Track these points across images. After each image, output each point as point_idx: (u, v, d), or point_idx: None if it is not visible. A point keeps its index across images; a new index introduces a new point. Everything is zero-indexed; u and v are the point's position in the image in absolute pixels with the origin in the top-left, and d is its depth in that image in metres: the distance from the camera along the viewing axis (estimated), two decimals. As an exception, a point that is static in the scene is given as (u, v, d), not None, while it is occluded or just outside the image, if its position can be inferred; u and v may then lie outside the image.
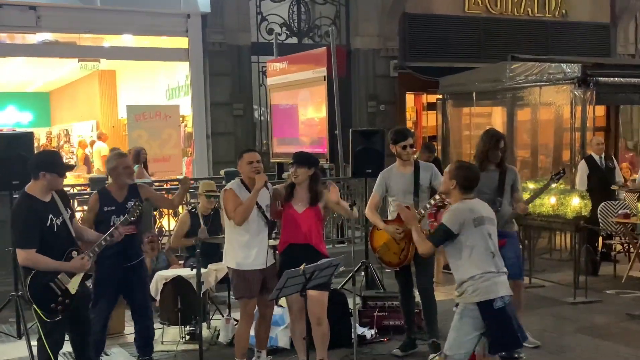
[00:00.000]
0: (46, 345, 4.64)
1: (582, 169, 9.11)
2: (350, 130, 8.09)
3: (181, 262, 7.79)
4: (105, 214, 5.45)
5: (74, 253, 4.68)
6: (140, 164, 10.22)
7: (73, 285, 4.66)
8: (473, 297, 4.41)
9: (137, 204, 5.20)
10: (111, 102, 16.60)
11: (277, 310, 6.33)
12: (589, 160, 9.10)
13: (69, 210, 4.77)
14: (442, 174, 5.76)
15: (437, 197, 5.62)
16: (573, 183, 9.37)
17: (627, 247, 9.14)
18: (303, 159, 5.43)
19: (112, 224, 5.23)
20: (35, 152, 6.87)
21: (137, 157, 10.21)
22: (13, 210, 4.93)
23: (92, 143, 15.78)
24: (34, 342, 6.05)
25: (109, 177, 5.92)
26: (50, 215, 4.59)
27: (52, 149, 17.79)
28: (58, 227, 4.63)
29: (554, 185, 6.41)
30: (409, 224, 5.05)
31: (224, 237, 5.62)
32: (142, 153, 10.51)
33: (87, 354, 5.01)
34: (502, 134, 6.40)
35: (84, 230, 5.00)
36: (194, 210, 7.62)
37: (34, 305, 4.59)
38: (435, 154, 10.50)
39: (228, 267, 5.44)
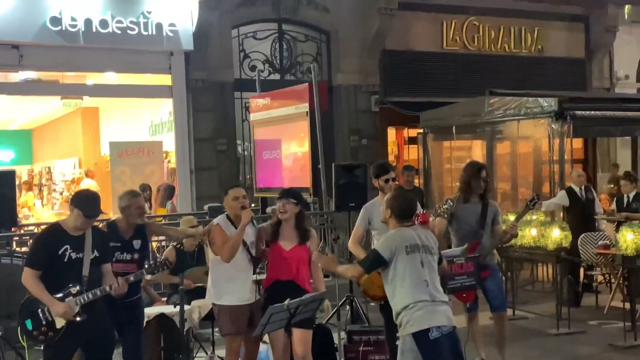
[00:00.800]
0: None
1: (560, 197, 9.23)
2: (333, 164, 8.18)
3: (164, 298, 7.75)
4: (109, 249, 5.39)
5: (74, 289, 4.72)
6: (172, 199, 10.18)
7: (60, 320, 4.69)
8: (408, 329, 4.30)
9: (161, 263, 5.13)
10: (94, 139, 16.58)
11: (262, 346, 6.31)
12: (570, 192, 9.22)
13: (95, 252, 4.82)
14: (423, 205, 5.87)
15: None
16: (553, 215, 9.49)
17: (608, 278, 9.23)
18: (291, 194, 5.46)
19: (114, 259, 5.25)
20: (16, 190, 6.89)
21: (171, 193, 10.14)
22: None
23: (78, 180, 15.69)
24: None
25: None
26: (67, 246, 4.72)
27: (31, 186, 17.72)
28: (70, 260, 4.72)
29: (530, 211, 6.53)
30: (330, 268, 5.11)
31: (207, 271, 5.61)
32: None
33: None
34: (484, 164, 6.55)
35: (108, 281, 4.90)
36: (179, 246, 7.60)
37: (19, 328, 4.74)
38: (415, 178, 10.47)
39: (213, 304, 5.43)
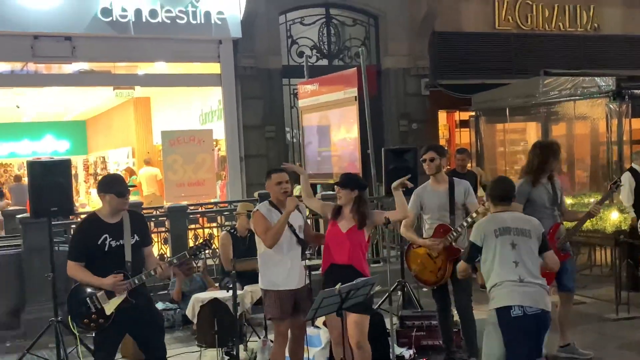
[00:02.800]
0: None
1: (628, 181, 8.92)
2: (383, 148, 8.07)
3: (216, 284, 7.82)
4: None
5: (115, 275, 4.76)
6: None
7: (110, 307, 4.76)
8: (492, 304, 4.46)
9: (203, 244, 5.09)
10: (146, 128, 16.81)
11: (314, 331, 6.31)
12: (633, 172, 8.91)
13: (135, 236, 4.86)
14: (477, 189, 5.75)
15: (473, 214, 5.59)
16: (612, 197, 9.19)
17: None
18: (346, 181, 5.40)
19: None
20: (72, 179, 7.01)
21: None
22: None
23: (129, 171, 15.93)
24: (74, 367, 6.16)
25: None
26: (106, 235, 4.76)
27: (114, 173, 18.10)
28: (110, 248, 4.77)
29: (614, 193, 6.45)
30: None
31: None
32: None
33: None
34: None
35: (150, 263, 4.97)
36: (233, 231, 7.67)
37: (69, 316, 4.83)
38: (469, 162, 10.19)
39: (261, 288, 5.44)
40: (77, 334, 4.91)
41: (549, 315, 4.45)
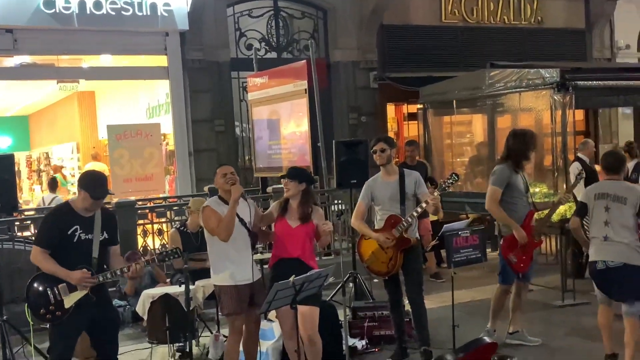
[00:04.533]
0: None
1: (575, 171, 9.15)
2: (334, 141, 8.09)
3: (167, 279, 7.73)
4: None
5: (84, 270, 4.69)
6: None
7: (69, 300, 4.68)
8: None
9: (173, 251, 5.10)
10: (91, 123, 16.49)
11: (267, 324, 6.29)
12: (580, 162, 9.15)
13: (105, 233, 4.81)
14: (427, 181, 5.83)
15: (423, 204, 5.64)
16: (556, 187, 9.42)
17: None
18: (294, 174, 5.42)
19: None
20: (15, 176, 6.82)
21: None
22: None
23: (58, 168, 15.67)
24: (20, 367, 6.00)
25: None
26: (77, 227, 4.70)
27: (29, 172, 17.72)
28: (79, 241, 4.70)
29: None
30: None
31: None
32: None
33: None
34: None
35: (116, 262, 4.92)
36: (182, 228, 7.57)
37: (26, 305, 4.73)
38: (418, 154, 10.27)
39: (214, 285, 5.38)
40: (31, 323, 4.85)
41: (636, 268, 5.11)
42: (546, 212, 6.42)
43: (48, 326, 4.85)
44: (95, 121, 16.50)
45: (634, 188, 5.36)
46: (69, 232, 4.68)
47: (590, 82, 9.70)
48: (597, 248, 5.30)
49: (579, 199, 5.57)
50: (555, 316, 7.20)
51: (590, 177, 8.99)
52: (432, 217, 8.74)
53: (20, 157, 19.07)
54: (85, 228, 4.74)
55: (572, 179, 9.11)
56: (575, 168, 9.11)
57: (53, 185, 11.66)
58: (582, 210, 5.48)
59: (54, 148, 18.00)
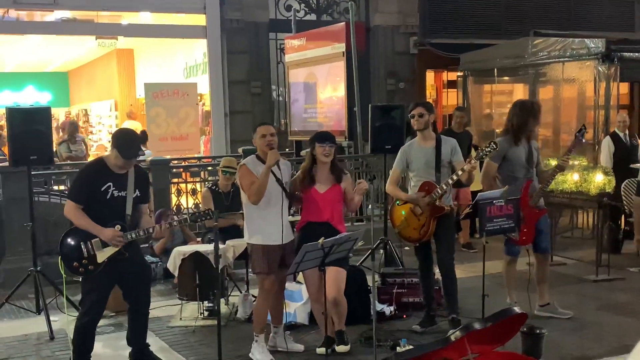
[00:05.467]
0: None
1: (607, 145, 8.96)
2: (370, 105, 7.97)
3: (198, 238, 7.78)
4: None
5: (118, 227, 4.74)
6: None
7: (102, 255, 4.73)
8: None
9: (205, 212, 5.08)
10: (129, 81, 16.57)
11: (295, 287, 6.31)
12: (614, 137, 8.95)
13: (137, 191, 4.83)
14: (470, 149, 5.76)
15: (459, 172, 5.54)
16: (596, 160, 9.22)
17: None
18: (330, 137, 5.38)
19: None
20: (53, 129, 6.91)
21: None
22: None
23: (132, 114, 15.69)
24: (53, 318, 6.14)
25: None
26: (110, 184, 4.71)
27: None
28: (113, 198, 4.73)
29: (579, 142, 6.13)
30: None
31: (242, 214, 5.55)
32: None
33: (140, 338, 5.10)
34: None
35: (145, 222, 4.96)
36: (214, 187, 7.59)
37: (60, 258, 4.76)
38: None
39: (247, 243, 5.38)
40: (64, 275, 4.85)
41: None
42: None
43: (80, 279, 4.91)
44: (133, 79, 16.57)
45: None
46: (102, 189, 4.70)
47: (636, 54, 9.44)
48: None
49: None
50: (589, 290, 7.09)
51: (620, 152, 8.81)
52: (475, 187, 8.63)
53: (59, 113, 19.31)
54: (119, 185, 4.76)
55: (605, 153, 8.94)
56: (605, 143, 8.96)
57: (144, 138, 11.13)
58: None
59: (92, 105, 18.18)
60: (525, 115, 5.98)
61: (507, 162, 5.97)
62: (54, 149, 9.73)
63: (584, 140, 6.09)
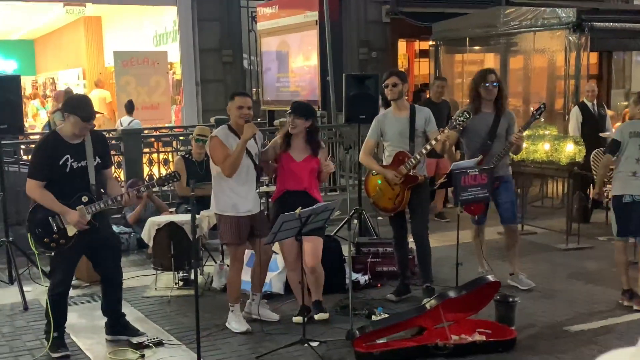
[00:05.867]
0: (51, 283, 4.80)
1: (576, 115, 9.07)
2: (344, 74, 7.94)
3: (172, 209, 7.73)
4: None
5: (84, 198, 4.66)
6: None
7: (72, 228, 4.66)
8: (611, 192, 5.67)
9: (171, 175, 4.99)
10: (97, 49, 16.29)
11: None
12: (582, 107, 9.05)
13: (97, 158, 4.73)
14: (450, 119, 5.77)
15: (432, 142, 5.57)
16: (566, 130, 9.33)
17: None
18: (301, 110, 5.33)
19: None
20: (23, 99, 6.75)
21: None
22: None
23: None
24: (26, 288, 6.08)
25: None
26: (67, 156, 4.60)
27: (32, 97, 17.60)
28: (72, 170, 4.62)
29: (539, 119, 6.18)
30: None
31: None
32: None
33: (115, 308, 5.08)
34: (492, 69, 6.38)
35: (111, 187, 4.89)
36: (187, 156, 7.52)
37: (29, 235, 4.69)
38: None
39: (215, 213, 5.34)
40: (36, 252, 4.79)
41: None
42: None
43: (53, 253, 4.85)
44: (101, 47, 16.30)
45: None
46: (61, 163, 4.58)
47: (607, 24, 9.51)
48: (624, 183, 5.56)
49: (612, 137, 5.71)
50: (559, 259, 7.22)
51: (589, 122, 8.92)
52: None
53: (25, 82, 18.92)
54: (77, 156, 4.64)
55: (573, 123, 9.04)
56: (573, 113, 9.06)
57: (130, 108, 11.12)
58: (615, 147, 5.64)
59: (60, 73, 17.84)
60: (475, 83, 6.03)
61: (465, 133, 6.02)
62: (47, 118, 9.59)
63: (542, 120, 6.11)
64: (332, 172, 5.48)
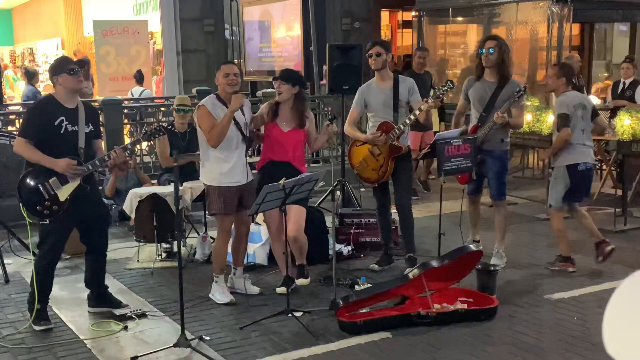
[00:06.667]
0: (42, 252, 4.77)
1: None
2: (327, 44, 7.88)
3: (153, 181, 7.68)
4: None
5: (69, 159, 4.63)
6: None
7: (63, 193, 4.64)
8: (565, 161, 5.80)
9: (157, 129, 5.00)
10: (76, 18, 16.03)
11: (254, 228, 6.30)
12: None
13: (90, 126, 4.76)
14: (432, 89, 5.70)
15: (416, 112, 5.56)
16: (548, 101, 9.36)
17: (599, 165, 9.23)
18: (288, 76, 5.28)
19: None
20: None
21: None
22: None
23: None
24: (7, 260, 6.03)
25: None
26: (62, 118, 4.63)
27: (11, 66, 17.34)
28: (66, 132, 4.64)
29: (518, 103, 5.80)
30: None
31: (199, 155, 5.49)
32: None
33: (99, 280, 5.08)
34: (495, 35, 6.25)
35: (98, 153, 4.87)
36: (171, 127, 7.43)
37: (21, 204, 4.66)
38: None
39: (204, 184, 5.33)
40: (28, 221, 4.73)
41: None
42: None
43: (47, 221, 4.79)
44: (80, 17, 16.04)
45: (588, 97, 5.95)
46: (56, 123, 4.61)
47: (590, -5, 9.49)
48: (578, 152, 5.79)
49: (558, 111, 5.80)
50: (540, 229, 7.29)
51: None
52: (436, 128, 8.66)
53: (3, 52, 18.63)
54: (71, 119, 4.67)
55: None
56: None
57: (140, 78, 11.09)
58: (568, 120, 5.77)
59: (38, 43, 17.57)
60: (478, 50, 5.98)
61: (471, 101, 5.96)
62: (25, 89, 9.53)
63: (521, 103, 5.86)
64: (336, 131, 5.48)
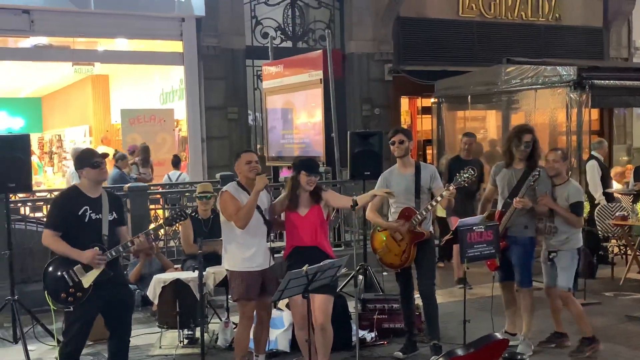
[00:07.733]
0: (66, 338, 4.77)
1: (595, 169, 9.12)
2: (349, 132, 8.05)
3: (177, 265, 7.72)
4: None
5: (96, 248, 4.72)
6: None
7: (88, 279, 4.71)
8: (576, 244, 5.99)
9: (178, 213, 5.08)
10: (104, 106, 16.51)
11: (276, 313, 6.29)
12: (599, 162, 9.15)
13: (114, 214, 4.88)
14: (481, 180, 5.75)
15: (438, 198, 5.61)
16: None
17: (624, 250, 9.14)
18: (313, 167, 5.33)
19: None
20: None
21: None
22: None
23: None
24: (30, 347, 6.04)
25: None
26: (86, 207, 4.75)
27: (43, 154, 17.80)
28: (90, 220, 4.76)
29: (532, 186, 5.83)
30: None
31: (221, 241, 5.54)
32: None
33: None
34: (528, 127, 6.24)
35: (123, 240, 4.94)
36: (194, 214, 7.55)
37: (46, 292, 4.76)
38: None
39: (227, 269, 5.37)
40: (53, 308, 4.82)
41: None
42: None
43: (71, 308, 4.82)
44: (108, 105, 16.51)
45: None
46: (80, 213, 4.73)
47: (607, 82, 9.61)
48: (580, 237, 6.14)
49: (579, 198, 5.94)
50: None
51: (604, 176, 8.99)
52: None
53: (32, 139, 19.09)
54: (95, 208, 4.79)
55: (590, 176, 9.08)
56: (591, 167, 9.09)
57: (177, 162, 11.38)
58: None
59: (66, 130, 18.03)
60: (507, 139, 6.07)
61: (495, 187, 6.09)
62: (126, 170, 9.95)
63: (535, 185, 5.83)
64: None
